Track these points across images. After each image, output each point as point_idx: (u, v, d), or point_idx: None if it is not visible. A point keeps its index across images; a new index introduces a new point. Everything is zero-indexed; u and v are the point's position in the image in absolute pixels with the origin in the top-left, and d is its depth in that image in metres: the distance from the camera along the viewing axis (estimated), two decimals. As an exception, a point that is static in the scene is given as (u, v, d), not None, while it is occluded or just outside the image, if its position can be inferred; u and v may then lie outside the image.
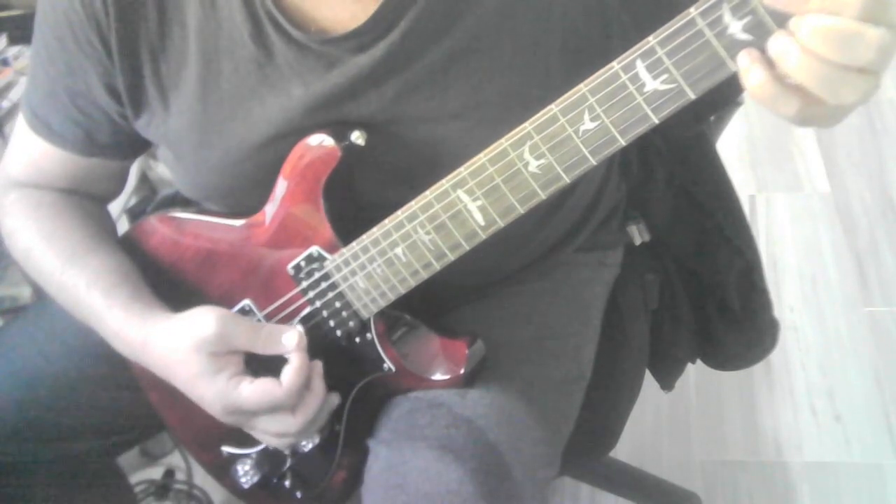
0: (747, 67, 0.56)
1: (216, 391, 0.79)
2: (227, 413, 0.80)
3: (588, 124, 0.64)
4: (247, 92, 0.78)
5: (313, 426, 0.83)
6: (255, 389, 0.78)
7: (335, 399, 0.85)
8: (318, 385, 0.81)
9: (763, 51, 0.55)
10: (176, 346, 0.80)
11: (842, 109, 0.58)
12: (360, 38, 0.74)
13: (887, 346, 1.80)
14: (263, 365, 0.81)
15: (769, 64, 0.55)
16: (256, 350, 0.80)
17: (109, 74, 0.82)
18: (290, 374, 0.77)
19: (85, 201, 0.96)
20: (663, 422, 1.71)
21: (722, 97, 0.94)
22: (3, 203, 0.95)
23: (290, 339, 0.79)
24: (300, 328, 0.80)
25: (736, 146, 2.30)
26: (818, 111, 0.56)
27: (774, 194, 2.20)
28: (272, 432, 0.82)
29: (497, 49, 0.74)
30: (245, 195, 0.84)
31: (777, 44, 0.54)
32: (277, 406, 0.78)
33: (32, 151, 0.92)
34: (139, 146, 0.92)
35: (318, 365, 0.81)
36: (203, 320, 0.79)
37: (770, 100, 0.56)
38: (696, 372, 1.33)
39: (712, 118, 1.08)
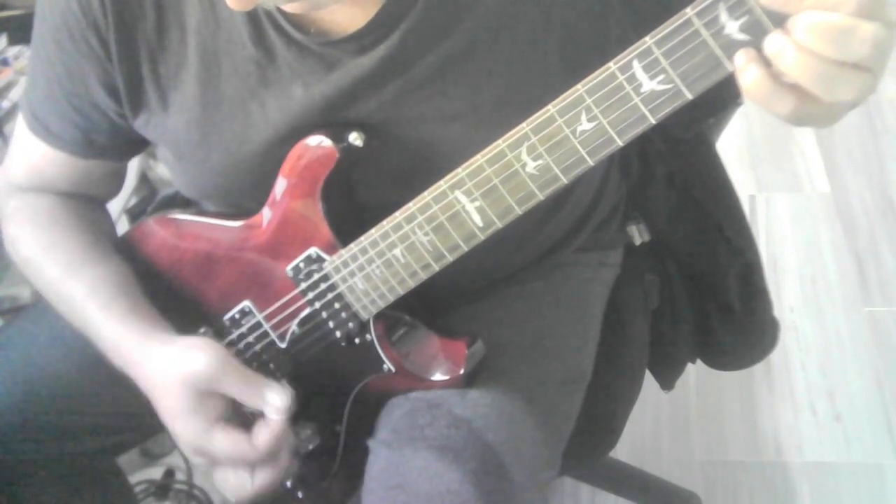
0: (743, 66, 0.56)
1: (190, 430, 0.80)
2: (195, 452, 0.82)
3: (585, 125, 0.64)
4: (246, 93, 0.78)
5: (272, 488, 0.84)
6: (226, 438, 0.79)
7: (292, 468, 0.86)
8: (285, 459, 0.82)
9: (760, 50, 0.55)
10: (166, 375, 0.80)
11: (838, 108, 0.58)
12: (361, 40, 0.74)
13: (887, 346, 1.80)
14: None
15: (765, 62, 0.55)
16: (242, 400, 0.80)
17: (108, 75, 0.82)
18: (264, 434, 0.78)
19: (84, 206, 0.96)
20: (663, 422, 1.71)
21: (721, 99, 0.94)
22: (4, 210, 0.95)
23: (275, 400, 0.79)
24: (286, 386, 0.80)
25: (736, 146, 2.30)
26: (814, 110, 0.56)
27: (774, 194, 2.20)
28: (227, 487, 0.83)
29: (496, 52, 0.74)
30: (244, 195, 0.84)
31: (773, 42, 0.54)
32: (243, 460, 0.80)
33: (32, 154, 0.92)
34: (137, 146, 0.92)
35: (293, 439, 0.82)
36: (198, 357, 0.79)
37: (765, 98, 0.56)
38: (696, 372, 1.33)
39: (711, 120, 1.08)
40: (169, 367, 0.80)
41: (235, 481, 0.82)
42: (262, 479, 0.81)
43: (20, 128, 0.92)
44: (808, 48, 0.52)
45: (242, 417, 0.82)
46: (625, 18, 0.74)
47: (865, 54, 0.52)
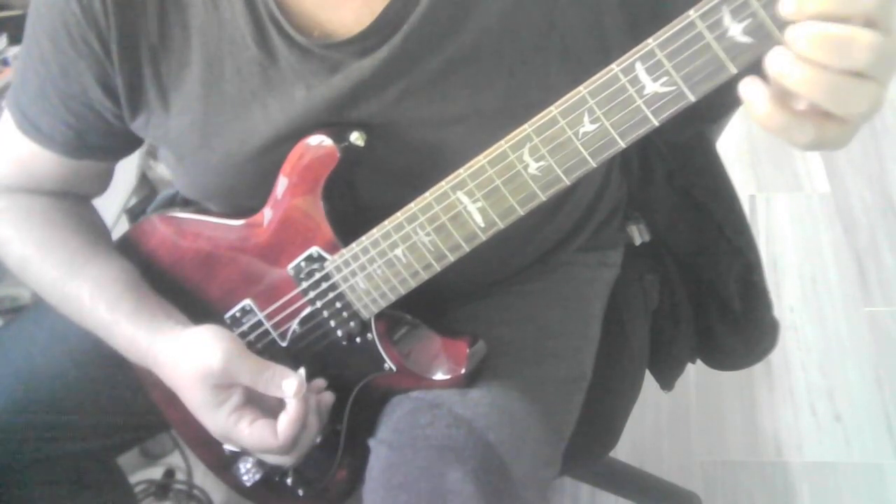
0: (752, 99, 0.55)
1: (217, 423, 0.82)
2: (225, 440, 0.85)
3: (588, 126, 0.64)
4: (248, 94, 0.78)
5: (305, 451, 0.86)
6: (252, 434, 0.81)
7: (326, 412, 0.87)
8: (313, 423, 0.83)
9: (765, 78, 0.55)
10: (181, 372, 0.82)
11: (852, 126, 0.57)
12: (364, 42, 0.74)
13: (887, 346, 1.80)
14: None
15: (776, 95, 0.55)
16: (258, 389, 0.81)
17: (107, 76, 0.81)
18: (285, 425, 0.80)
19: (75, 205, 0.96)
20: (663, 422, 1.71)
21: (723, 104, 0.94)
22: None
23: (290, 386, 0.80)
24: (302, 374, 0.82)
25: (736, 146, 2.30)
26: (831, 132, 0.56)
27: (774, 194, 2.20)
28: (269, 459, 0.87)
29: (498, 56, 0.74)
30: (245, 196, 0.84)
31: (774, 59, 0.53)
32: (271, 451, 0.82)
33: (20, 153, 0.90)
34: (130, 146, 0.92)
35: (314, 400, 0.84)
36: (210, 352, 0.80)
37: (783, 128, 0.55)
38: (696, 372, 1.33)
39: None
40: (183, 365, 0.82)
41: (272, 459, 0.86)
42: (298, 452, 0.84)
43: (6, 126, 0.91)
44: (810, 58, 0.52)
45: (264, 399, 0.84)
46: (622, 26, 0.74)
47: (866, 62, 0.52)
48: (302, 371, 0.82)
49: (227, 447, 0.93)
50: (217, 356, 0.80)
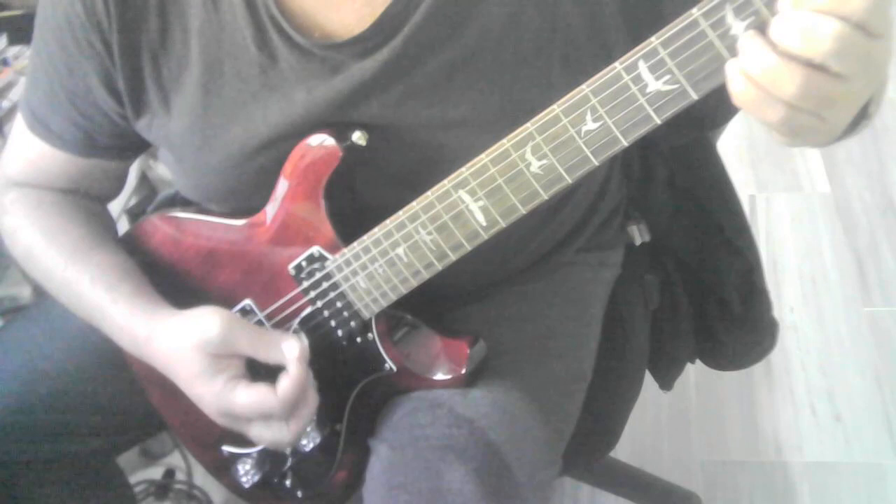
0: (731, 76, 0.56)
1: (213, 392, 0.79)
2: (222, 415, 0.81)
3: (590, 125, 0.64)
4: (249, 96, 0.78)
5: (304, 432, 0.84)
6: (249, 395, 0.78)
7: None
8: (313, 396, 0.81)
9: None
10: (179, 344, 0.80)
11: (830, 125, 0.57)
12: (365, 43, 0.74)
13: (887, 346, 1.80)
14: (266, 368, 0.81)
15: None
16: (258, 356, 0.80)
17: (110, 76, 0.82)
18: (285, 384, 0.77)
19: (85, 200, 0.97)
20: (663, 422, 1.71)
21: (728, 111, 0.94)
22: (2, 202, 0.95)
23: (291, 349, 0.78)
24: (303, 338, 0.80)
25: (736, 146, 2.30)
26: (804, 120, 0.56)
27: (774, 194, 2.20)
28: (266, 439, 0.82)
29: (499, 59, 0.74)
30: (246, 197, 0.84)
31: (746, 42, 0.54)
32: (270, 414, 0.79)
33: (31, 152, 0.92)
34: (138, 147, 0.92)
35: (311, 377, 0.81)
36: (207, 321, 0.79)
37: (755, 105, 0.56)
38: (696, 372, 1.33)
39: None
40: (181, 338, 0.80)
41: (271, 435, 0.81)
42: (297, 423, 0.80)
43: (19, 126, 0.92)
44: (778, 45, 0.53)
45: (258, 377, 0.81)
46: (623, 27, 0.74)
47: (827, 51, 0.51)
48: (303, 336, 0.81)
49: (226, 448, 0.93)
50: (216, 323, 0.78)
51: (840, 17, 0.51)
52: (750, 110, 0.56)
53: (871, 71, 0.55)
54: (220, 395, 0.79)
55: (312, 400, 0.81)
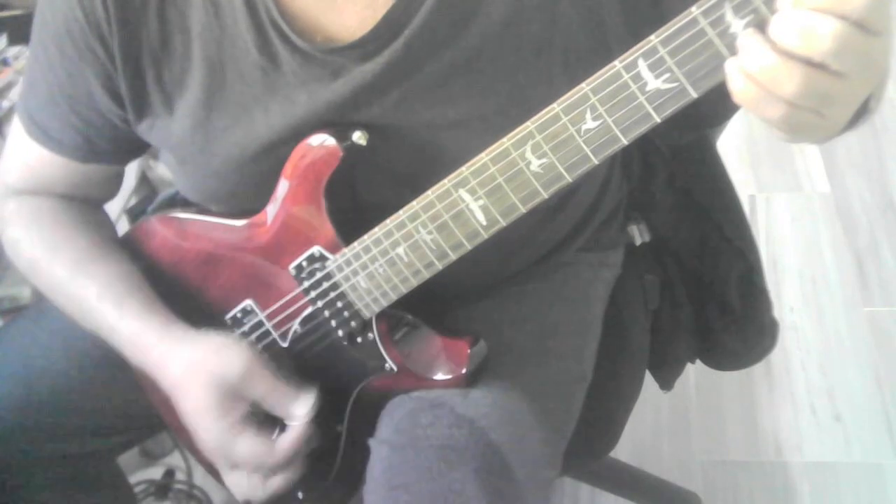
0: (731, 74, 0.56)
1: (215, 432, 0.81)
2: (215, 453, 0.83)
3: (590, 123, 0.64)
4: (251, 99, 0.78)
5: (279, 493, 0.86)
6: (253, 445, 0.80)
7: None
8: (299, 463, 0.84)
9: None
10: (193, 373, 0.81)
11: (830, 122, 0.57)
12: (365, 46, 0.74)
13: (887, 346, 1.80)
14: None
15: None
16: (265, 406, 0.81)
17: (112, 80, 0.82)
18: (286, 443, 0.80)
19: (84, 207, 0.96)
20: (663, 422, 1.71)
21: (725, 108, 0.94)
22: (2, 213, 0.95)
23: (302, 407, 0.81)
24: (313, 397, 0.82)
25: (736, 146, 2.30)
26: (804, 117, 0.56)
27: (774, 194, 2.20)
28: (239, 489, 0.85)
29: (500, 61, 0.74)
30: (247, 198, 0.84)
31: (744, 43, 0.54)
32: (263, 467, 0.82)
33: (29, 157, 0.91)
34: (138, 150, 0.92)
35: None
36: (231, 358, 0.80)
37: (754, 103, 0.56)
38: (696, 372, 1.33)
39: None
40: (196, 365, 0.81)
41: (248, 484, 0.84)
42: (276, 483, 0.83)
43: (16, 131, 0.92)
44: (778, 45, 0.53)
45: (257, 417, 0.83)
46: (623, 28, 0.74)
47: (827, 51, 0.51)
48: (314, 393, 0.82)
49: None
50: (239, 364, 0.80)
51: (839, 16, 0.51)
52: (749, 108, 0.56)
53: (871, 68, 0.55)
54: (222, 435, 0.81)
55: (299, 466, 0.84)
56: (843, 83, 0.53)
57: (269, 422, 0.83)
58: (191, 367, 0.81)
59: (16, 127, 0.91)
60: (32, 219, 0.93)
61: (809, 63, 0.52)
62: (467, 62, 0.74)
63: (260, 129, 0.79)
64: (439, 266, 0.77)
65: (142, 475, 1.60)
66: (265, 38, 0.76)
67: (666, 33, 0.58)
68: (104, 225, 0.98)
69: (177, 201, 1.01)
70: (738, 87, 0.56)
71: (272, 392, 0.81)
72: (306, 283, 0.83)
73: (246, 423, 0.81)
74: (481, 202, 0.72)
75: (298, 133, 0.78)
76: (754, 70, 0.54)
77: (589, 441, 1.03)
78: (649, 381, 1.13)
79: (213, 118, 0.80)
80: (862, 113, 0.62)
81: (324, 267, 0.81)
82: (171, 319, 0.86)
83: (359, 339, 0.84)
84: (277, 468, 0.82)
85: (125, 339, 0.86)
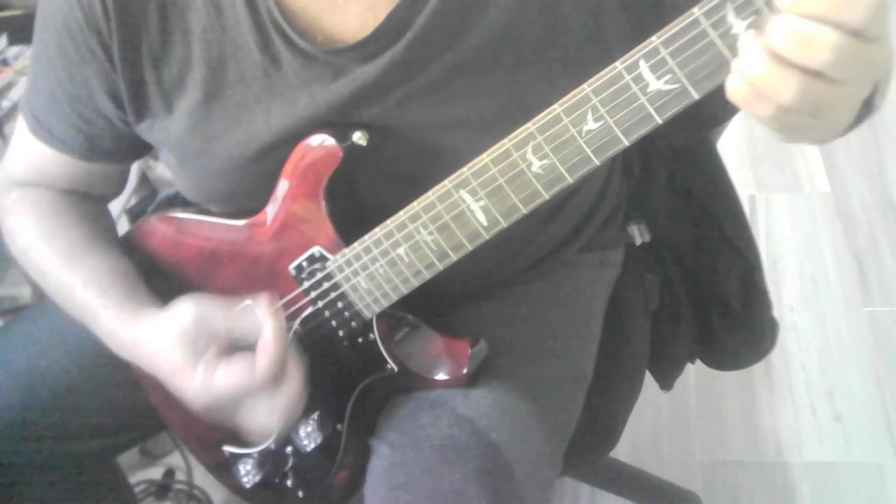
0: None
1: (197, 382, 0.77)
2: (208, 404, 0.79)
3: (591, 124, 0.64)
4: (252, 99, 0.78)
5: (294, 414, 0.81)
6: (228, 373, 0.76)
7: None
8: (294, 372, 0.78)
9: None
10: (159, 341, 0.79)
11: (826, 125, 0.57)
12: (367, 47, 0.74)
13: (887, 346, 1.80)
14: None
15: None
16: (234, 334, 0.78)
17: (111, 80, 0.82)
18: (263, 357, 0.75)
19: (85, 201, 0.97)
20: (663, 422, 1.71)
21: (726, 108, 0.94)
22: (3, 202, 0.95)
23: (265, 317, 0.75)
24: (274, 303, 0.77)
25: (736, 146, 2.30)
26: (799, 120, 0.56)
27: (774, 194, 2.20)
28: (256, 426, 0.81)
29: (500, 63, 0.74)
30: (247, 199, 0.84)
31: (745, 43, 0.54)
32: (252, 390, 0.77)
33: (33, 154, 0.92)
34: (140, 150, 0.92)
35: (293, 353, 0.79)
36: (180, 310, 0.79)
37: (748, 103, 0.55)
38: (696, 372, 1.33)
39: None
40: (160, 333, 0.79)
41: (260, 418, 0.79)
42: (283, 400, 0.77)
43: (20, 128, 0.92)
44: (775, 52, 0.52)
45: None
46: (624, 30, 0.74)
47: (825, 61, 0.51)
48: (281, 314, 0.78)
49: (227, 448, 0.93)
50: (188, 309, 0.78)
51: (837, 25, 0.50)
52: (742, 106, 0.56)
53: (869, 73, 0.55)
54: (202, 383, 0.77)
55: (294, 376, 0.78)
56: (840, 89, 0.53)
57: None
58: (156, 338, 0.79)
59: (20, 123, 0.92)
60: (31, 208, 0.93)
61: (808, 71, 0.52)
62: (468, 63, 0.74)
63: (260, 130, 0.79)
64: (440, 266, 0.77)
65: (142, 475, 1.60)
66: (267, 39, 0.76)
67: (668, 34, 0.58)
68: (102, 218, 0.98)
69: (177, 201, 1.01)
70: (734, 87, 0.56)
71: (231, 318, 0.77)
72: (306, 284, 0.83)
73: (220, 359, 0.77)
74: (482, 203, 0.72)
75: (299, 133, 0.78)
76: (751, 74, 0.54)
77: (589, 441, 1.03)
78: (649, 381, 1.13)
79: (213, 119, 0.80)
80: (866, 110, 0.62)
81: (324, 267, 0.81)
82: (144, 304, 0.85)
83: (359, 340, 0.84)
84: (267, 386, 0.76)
85: (106, 329, 0.85)
